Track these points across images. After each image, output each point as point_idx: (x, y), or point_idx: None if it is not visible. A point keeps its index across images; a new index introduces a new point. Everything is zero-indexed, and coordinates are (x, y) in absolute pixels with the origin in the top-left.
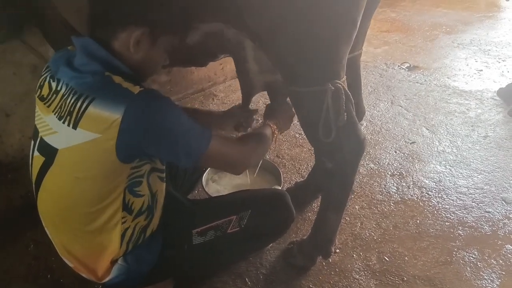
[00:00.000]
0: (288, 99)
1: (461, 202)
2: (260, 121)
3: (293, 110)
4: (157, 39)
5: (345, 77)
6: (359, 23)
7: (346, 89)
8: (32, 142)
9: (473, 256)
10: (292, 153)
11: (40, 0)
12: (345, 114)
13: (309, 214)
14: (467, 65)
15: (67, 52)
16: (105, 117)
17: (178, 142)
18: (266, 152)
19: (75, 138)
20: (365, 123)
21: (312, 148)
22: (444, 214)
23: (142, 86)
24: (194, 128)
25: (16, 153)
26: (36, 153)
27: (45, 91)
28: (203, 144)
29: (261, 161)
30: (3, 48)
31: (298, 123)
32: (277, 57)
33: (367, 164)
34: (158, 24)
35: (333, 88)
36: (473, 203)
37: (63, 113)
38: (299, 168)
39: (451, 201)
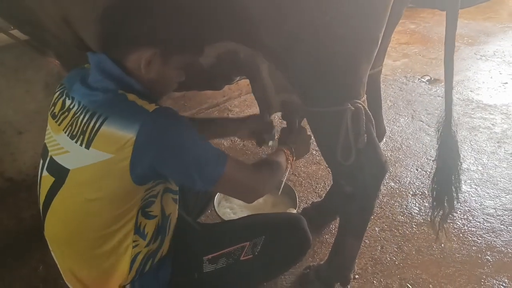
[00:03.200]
0: (303, 122)
1: (488, 224)
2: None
3: (309, 135)
4: (170, 58)
5: (365, 96)
6: (380, 40)
7: (367, 109)
8: (41, 161)
9: (504, 284)
10: (309, 170)
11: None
12: (365, 135)
13: (326, 237)
14: (491, 77)
15: (83, 70)
16: (119, 137)
17: (194, 164)
18: (278, 181)
19: (87, 158)
20: (384, 139)
21: None
22: (471, 237)
23: (157, 104)
24: (210, 151)
25: (29, 170)
26: (45, 173)
27: (57, 108)
28: (219, 168)
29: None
30: (15, 67)
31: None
32: (294, 75)
33: (387, 183)
34: (168, 44)
35: (352, 108)
36: (502, 226)
37: (75, 132)
38: (316, 186)
39: (478, 223)
